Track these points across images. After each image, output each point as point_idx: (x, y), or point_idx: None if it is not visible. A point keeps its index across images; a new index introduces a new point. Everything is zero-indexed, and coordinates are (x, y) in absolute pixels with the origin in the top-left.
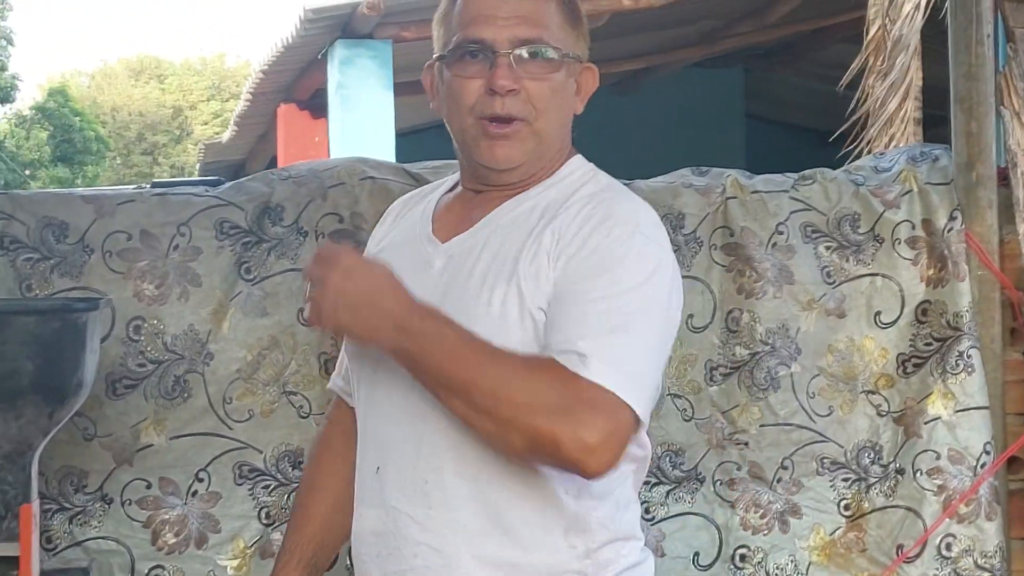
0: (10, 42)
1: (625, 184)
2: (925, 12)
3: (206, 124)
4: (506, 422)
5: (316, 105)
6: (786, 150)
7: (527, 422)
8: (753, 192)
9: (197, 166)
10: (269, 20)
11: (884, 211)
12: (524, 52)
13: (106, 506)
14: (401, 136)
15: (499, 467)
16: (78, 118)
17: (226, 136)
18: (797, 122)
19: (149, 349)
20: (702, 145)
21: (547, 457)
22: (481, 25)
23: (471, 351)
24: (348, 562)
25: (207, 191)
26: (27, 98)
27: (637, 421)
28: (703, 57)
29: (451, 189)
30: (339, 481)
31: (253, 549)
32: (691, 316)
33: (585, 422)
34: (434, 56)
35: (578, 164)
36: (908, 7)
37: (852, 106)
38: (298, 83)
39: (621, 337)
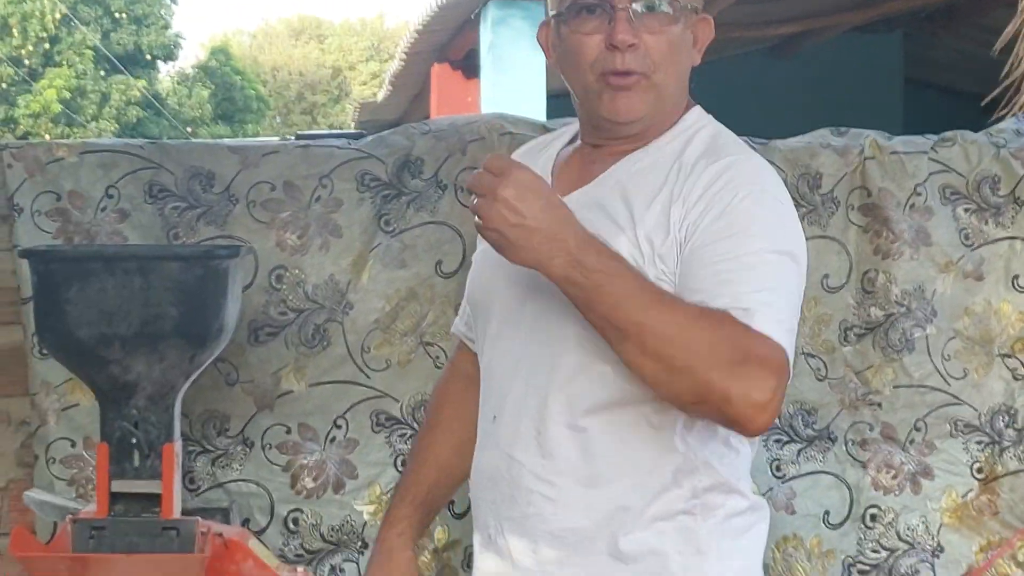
0: (174, 1)
1: (763, 143)
2: None
3: (364, 84)
4: (679, 371)
5: (469, 65)
6: (945, 116)
7: (703, 375)
8: (892, 153)
9: (352, 125)
10: None
11: None
12: (640, 6)
13: (247, 449)
14: (552, 98)
15: (609, 417)
16: (239, 77)
17: (381, 96)
18: (957, 87)
19: (290, 298)
20: (860, 110)
21: (712, 411)
22: None
23: (649, 294)
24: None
25: (349, 144)
26: (190, 56)
27: (788, 372)
28: (863, 22)
29: (569, 143)
30: (458, 424)
31: (389, 495)
32: (826, 276)
33: (757, 379)
34: (550, 13)
35: (696, 116)
36: None
37: (1005, 70)
38: (452, 43)
39: (775, 294)
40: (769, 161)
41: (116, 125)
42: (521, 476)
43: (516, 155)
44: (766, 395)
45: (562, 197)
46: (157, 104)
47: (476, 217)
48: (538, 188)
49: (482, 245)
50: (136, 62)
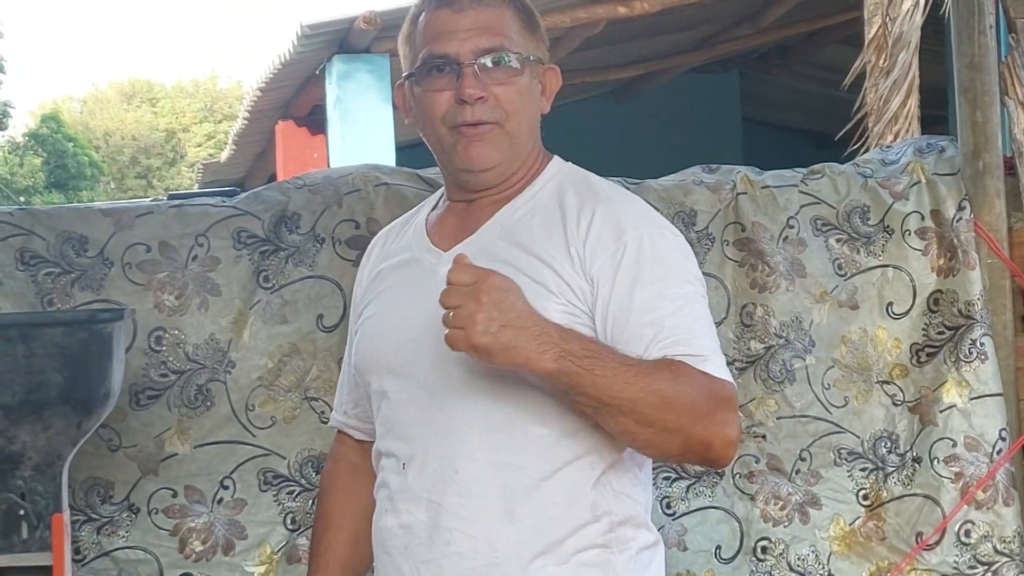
0: (1, 70)
1: (636, 183)
2: (925, 9)
3: (199, 146)
4: (671, 432)
5: (314, 121)
6: (783, 152)
7: (689, 430)
8: (763, 187)
9: (195, 187)
10: (262, 39)
11: (893, 203)
12: (487, 61)
13: (133, 516)
14: (400, 150)
15: (526, 454)
16: (71, 144)
17: (224, 155)
18: (793, 124)
19: (171, 359)
20: (700, 149)
21: (696, 457)
22: (443, 40)
23: (631, 367)
24: None
25: (223, 202)
26: (19, 125)
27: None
28: (699, 62)
29: (434, 207)
30: (351, 518)
31: (280, 555)
32: None
33: (727, 422)
34: (403, 75)
35: (559, 165)
36: (907, 4)
37: (857, 105)
38: (296, 100)
39: (710, 333)
40: (644, 200)
41: None
42: (439, 517)
43: (377, 238)
44: (735, 432)
45: (445, 252)
46: None
47: (454, 329)
48: (513, 287)
49: (368, 312)
50: None
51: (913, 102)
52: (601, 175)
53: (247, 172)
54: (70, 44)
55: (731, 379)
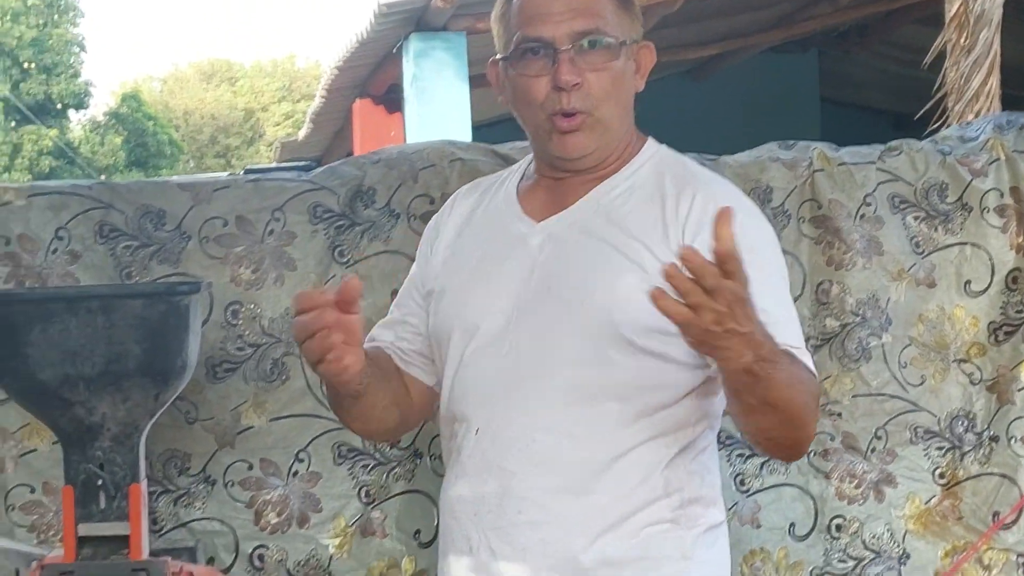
0: (83, 48)
1: (712, 159)
2: None
3: (278, 125)
4: (799, 428)
5: (391, 100)
6: (862, 133)
7: (810, 428)
8: (840, 164)
9: (273, 166)
10: (340, 19)
11: (972, 180)
12: (584, 43)
13: (209, 488)
14: (477, 128)
15: (603, 430)
16: (151, 122)
17: (302, 134)
18: (872, 104)
19: (247, 333)
20: (778, 129)
21: (797, 453)
22: (539, 23)
23: (790, 369)
24: None
25: (300, 176)
26: (101, 104)
27: None
28: (777, 42)
29: (522, 177)
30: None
31: (354, 527)
32: None
33: (817, 413)
34: (497, 55)
35: (655, 147)
36: None
37: (937, 84)
38: (373, 78)
39: (794, 323)
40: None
41: (29, 176)
42: (511, 485)
43: (458, 195)
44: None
45: (538, 222)
46: (70, 153)
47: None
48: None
49: (451, 274)
50: (47, 111)
51: (994, 80)
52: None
53: (324, 151)
54: (151, 24)
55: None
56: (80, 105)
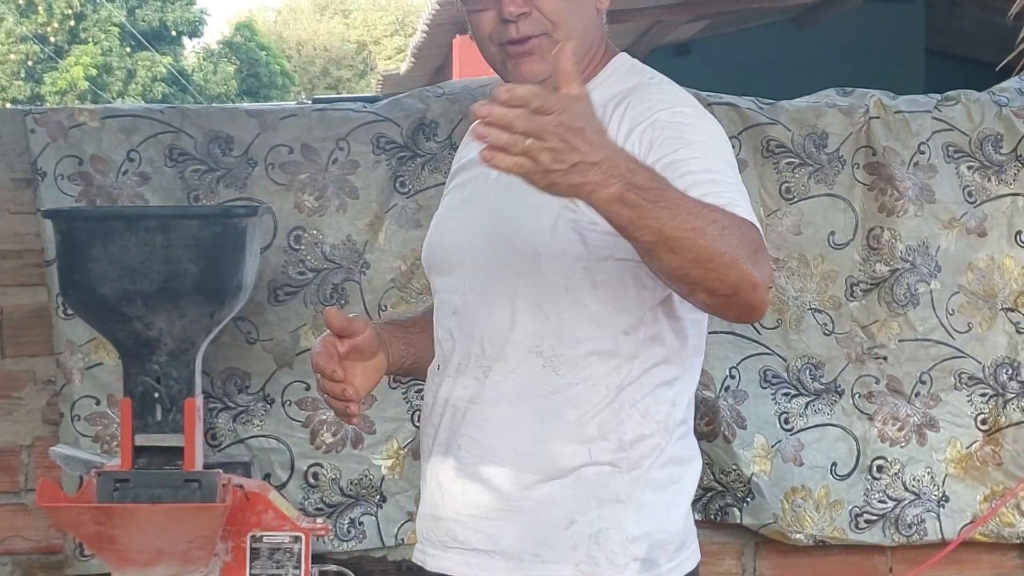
0: None
1: (769, 103)
2: None
3: (389, 59)
4: (726, 267)
5: None
6: (966, 85)
7: (743, 267)
8: (896, 112)
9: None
10: None
11: None
12: None
13: (268, 406)
14: None
15: (532, 370)
16: (264, 52)
17: (404, 68)
18: (979, 57)
19: (309, 258)
20: (881, 79)
21: (743, 300)
22: None
23: (691, 199)
24: None
25: (365, 107)
26: (215, 32)
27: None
28: None
29: None
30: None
31: (406, 450)
32: (832, 233)
33: (766, 264)
34: None
35: (620, 63)
36: None
37: (1021, 36)
38: None
39: (740, 188)
40: (775, 120)
41: (142, 101)
42: (464, 420)
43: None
44: (770, 277)
45: None
46: (183, 80)
47: (516, 156)
48: (589, 115)
49: (440, 207)
50: (162, 38)
51: None
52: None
53: (426, 85)
54: None
55: (757, 222)
56: (194, 33)
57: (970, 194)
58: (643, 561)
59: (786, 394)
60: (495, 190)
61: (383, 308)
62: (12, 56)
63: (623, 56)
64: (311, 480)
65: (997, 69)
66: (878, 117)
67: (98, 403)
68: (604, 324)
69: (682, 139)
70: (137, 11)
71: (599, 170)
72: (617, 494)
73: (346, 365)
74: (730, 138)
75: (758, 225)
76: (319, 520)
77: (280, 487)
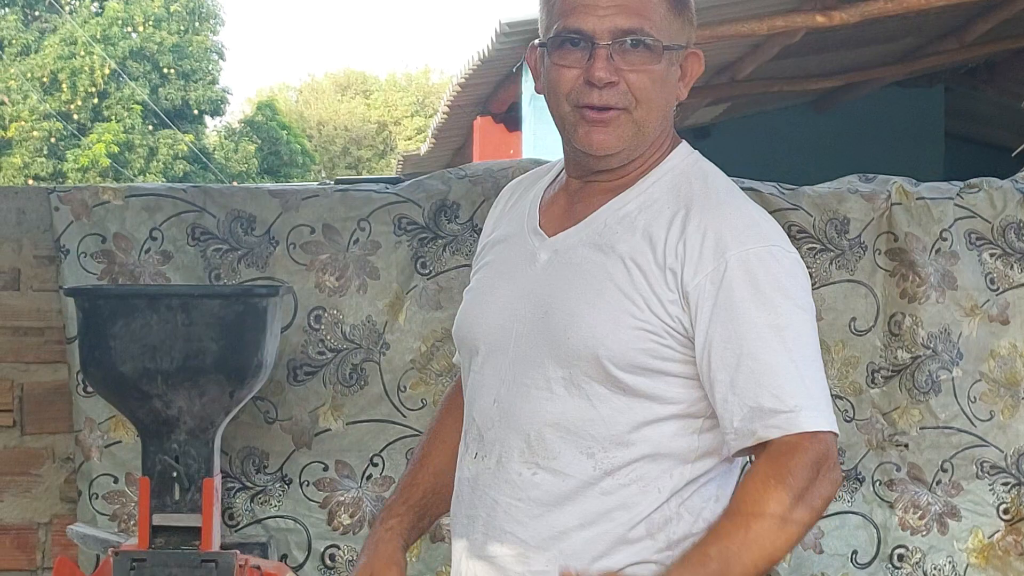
0: (221, 56)
1: (791, 189)
2: None
3: (409, 139)
4: (794, 544)
5: (511, 118)
6: (987, 170)
7: (813, 519)
8: (918, 199)
9: (362, 177)
10: (470, 35)
11: None
12: (627, 42)
13: (285, 486)
14: None
15: (579, 465)
16: (285, 131)
17: (424, 149)
18: (1000, 142)
19: (329, 338)
20: (901, 163)
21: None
22: (581, 14)
23: (725, 567)
24: None
25: (387, 188)
26: (236, 111)
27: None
28: (903, 76)
29: (555, 179)
30: (457, 435)
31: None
32: (854, 319)
33: (830, 470)
34: (536, 41)
35: (683, 155)
36: None
37: None
38: (494, 96)
39: (804, 373)
40: (797, 206)
41: (163, 179)
42: (496, 515)
43: (507, 188)
44: (838, 473)
45: (548, 237)
46: (204, 158)
47: None
48: None
49: (472, 283)
50: (184, 117)
51: None
52: (799, 184)
53: (445, 166)
54: (288, 33)
55: (825, 424)
56: (216, 112)
57: (992, 281)
58: None
59: None
60: (544, 280)
61: (402, 389)
62: (35, 133)
63: (685, 146)
64: (328, 561)
65: (1013, 156)
66: (900, 203)
67: (116, 481)
68: (659, 427)
69: (743, 307)
70: (160, 89)
71: None
72: None
73: None
74: None
75: (818, 428)
76: None
77: (297, 568)
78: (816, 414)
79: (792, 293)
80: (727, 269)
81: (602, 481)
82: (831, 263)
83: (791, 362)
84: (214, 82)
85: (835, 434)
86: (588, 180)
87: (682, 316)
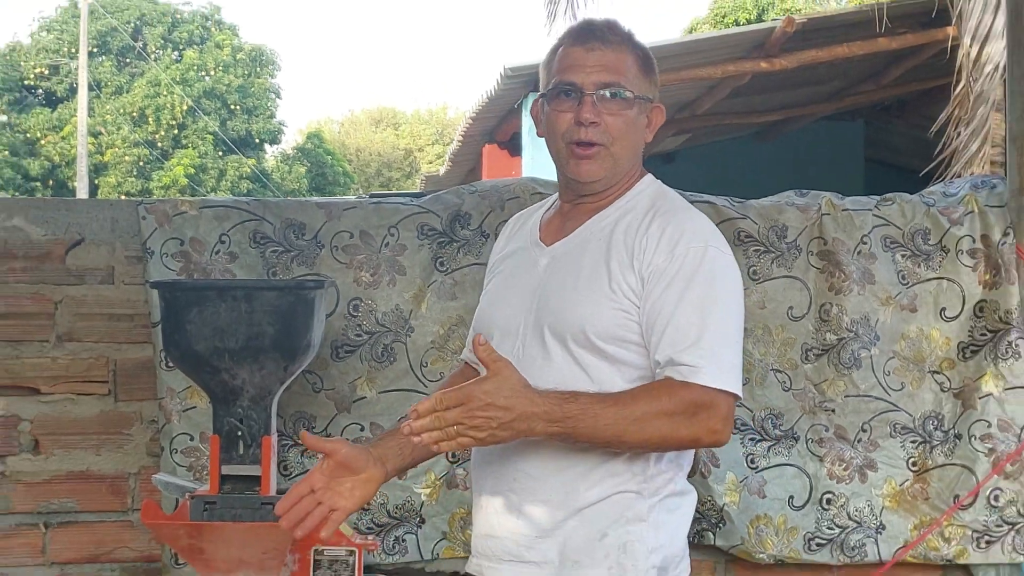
0: (278, 95)
1: (740, 202)
2: (1003, 72)
3: (431, 163)
4: (660, 443)
5: (513, 146)
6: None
7: (674, 436)
8: (843, 210)
9: (392, 192)
10: (479, 78)
11: (950, 227)
12: (606, 92)
13: None
14: None
15: None
16: (330, 157)
17: (442, 170)
18: (909, 166)
19: (364, 323)
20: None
21: (693, 447)
22: (572, 71)
23: (611, 409)
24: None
25: (412, 201)
26: (290, 140)
27: (737, 396)
28: (830, 112)
29: (550, 206)
30: None
31: (442, 481)
32: (791, 307)
33: (709, 418)
34: (539, 94)
35: (648, 183)
36: (988, 68)
37: (938, 149)
38: (499, 128)
39: (713, 341)
40: (744, 216)
41: (230, 195)
42: (512, 459)
43: (511, 220)
44: (719, 425)
45: (546, 246)
46: (263, 178)
47: (459, 440)
48: (496, 394)
49: (489, 287)
50: (247, 145)
51: (988, 149)
52: (747, 199)
53: (459, 184)
54: (332, 76)
55: (722, 385)
56: (274, 140)
57: (903, 277)
58: (658, 568)
59: (752, 439)
60: (545, 278)
61: (424, 364)
62: (127, 158)
63: (650, 176)
64: (364, 505)
65: (921, 175)
66: (828, 214)
67: (192, 439)
68: (635, 384)
69: (677, 282)
70: (228, 122)
71: (520, 420)
72: (640, 515)
73: (334, 481)
74: None
75: (713, 385)
76: (369, 538)
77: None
78: (714, 374)
79: (720, 283)
80: (673, 260)
81: None
82: (772, 262)
83: (706, 332)
84: (272, 116)
85: (731, 395)
86: (577, 203)
87: (641, 295)
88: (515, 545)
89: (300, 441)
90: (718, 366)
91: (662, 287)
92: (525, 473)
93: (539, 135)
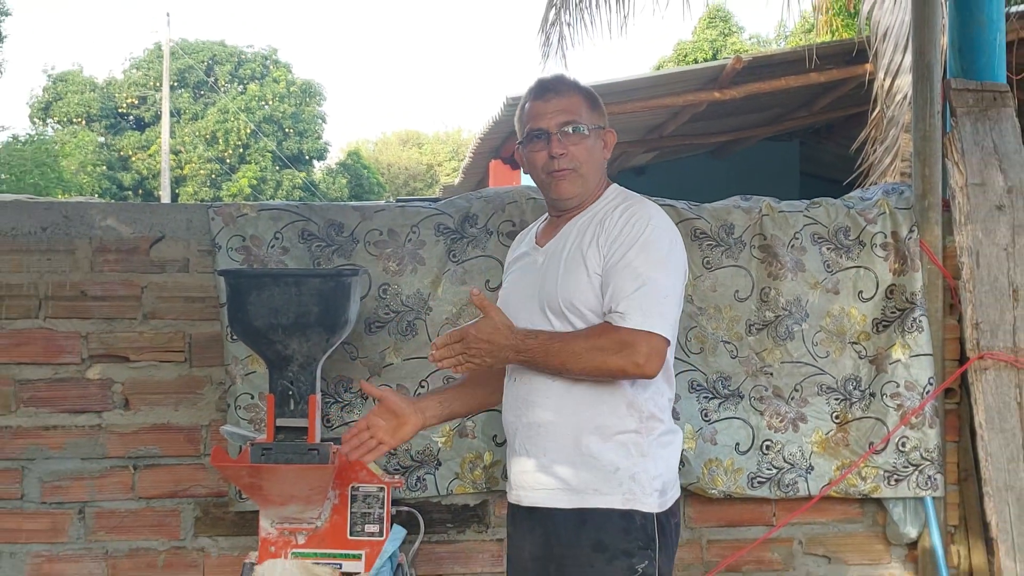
0: (324, 120)
1: (696, 205)
2: (910, 100)
3: (448, 175)
4: (595, 371)
5: (514, 161)
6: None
7: (604, 366)
8: (779, 212)
9: (414, 198)
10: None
11: (866, 225)
12: (568, 129)
13: (364, 401)
14: None
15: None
16: (366, 171)
17: (457, 181)
18: (837, 178)
19: (392, 304)
20: (769, 193)
21: (623, 376)
22: (538, 119)
23: (558, 344)
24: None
25: (430, 205)
26: (334, 157)
27: (666, 339)
28: (772, 134)
29: (543, 222)
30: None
31: (454, 431)
32: (737, 291)
33: (632, 353)
34: (517, 142)
35: (614, 190)
36: (898, 97)
37: (859, 163)
38: (503, 146)
39: (644, 293)
40: (700, 216)
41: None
42: (528, 412)
43: (517, 238)
44: (641, 359)
45: (542, 247)
46: (312, 188)
47: (466, 365)
48: (483, 332)
49: (505, 284)
50: (299, 161)
51: (898, 164)
52: (702, 203)
53: (470, 191)
54: (368, 104)
55: (645, 326)
56: (320, 157)
57: (828, 266)
58: (659, 492)
59: (706, 397)
60: (542, 270)
61: None
62: (201, 171)
63: (615, 185)
64: (391, 450)
65: (844, 184)
66: (767, 215)
67: (252, 398)
68: None
69: (620, 249)
70: (283, 143)
71: (503, 351)
72: (642, 450)
73: (384, 421)
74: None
75: (635, 326)
76: (396, 477)
77: None
78: (639, 319)
79: (655, 249)
80: (621, 233)
81: (592, 383)
82: (722, 254)
83: (640, 287)
84: (319, 138)
85: (655, 335)
86: (560, 215)
87: (603, 263)
88: (544, 475)
89: (341, 399)
90: (644, 313)
91: (612, 254)
92: (546, 416)
93: (524, 172)
